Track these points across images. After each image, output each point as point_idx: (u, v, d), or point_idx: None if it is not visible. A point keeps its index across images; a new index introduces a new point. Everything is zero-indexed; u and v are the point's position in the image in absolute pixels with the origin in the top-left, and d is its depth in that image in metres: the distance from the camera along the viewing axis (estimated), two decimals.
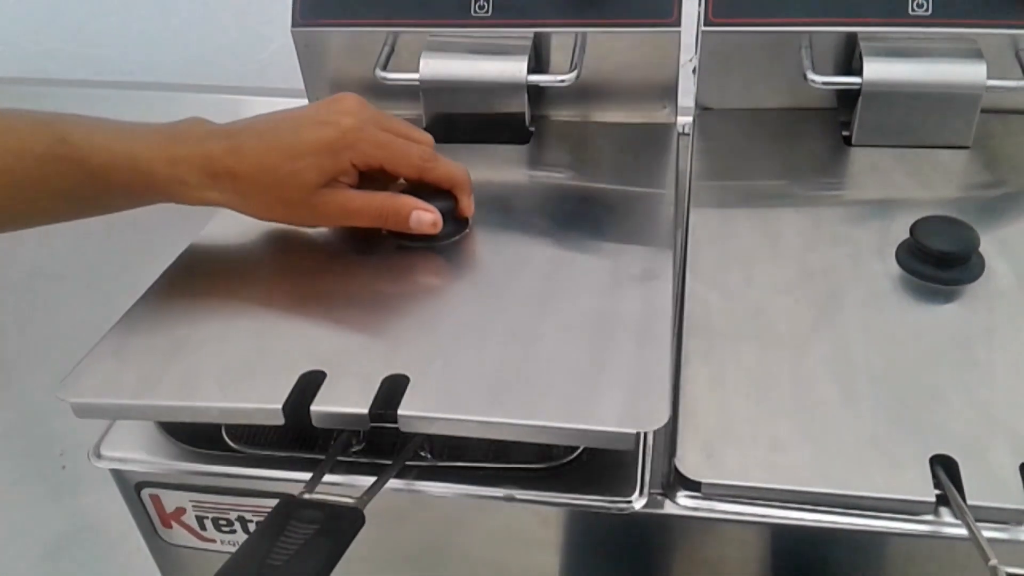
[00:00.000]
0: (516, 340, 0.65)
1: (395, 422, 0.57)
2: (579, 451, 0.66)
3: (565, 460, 0.66)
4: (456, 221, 0.73)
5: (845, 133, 0.90)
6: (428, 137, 0.72)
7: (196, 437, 0.71)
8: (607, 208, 0.82)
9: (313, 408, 0.57)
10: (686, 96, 0.98)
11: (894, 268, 0.74)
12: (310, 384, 0.60)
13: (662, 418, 0.56)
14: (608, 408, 0.57)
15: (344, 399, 0.59)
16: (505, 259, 0.74)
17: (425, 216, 0.68)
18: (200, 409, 0.60)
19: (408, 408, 0.57)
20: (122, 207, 0.70)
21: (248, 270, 0.74)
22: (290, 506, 0.57)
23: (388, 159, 0.68)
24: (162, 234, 1.15)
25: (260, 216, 0.69)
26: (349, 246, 0.74)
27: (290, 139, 0.64)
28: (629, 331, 0.66)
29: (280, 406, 0.58)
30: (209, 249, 0.78)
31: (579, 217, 0.80)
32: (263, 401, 0.59)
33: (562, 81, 0.90)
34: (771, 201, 0.83)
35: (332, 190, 0.66)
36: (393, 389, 0.58)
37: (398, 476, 0.64)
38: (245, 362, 0.63)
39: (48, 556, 1.03)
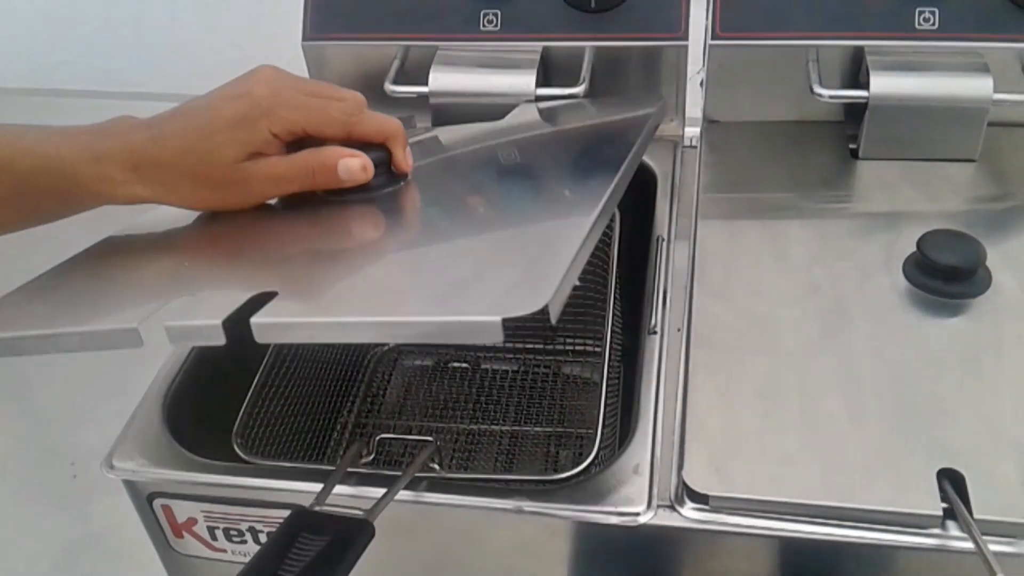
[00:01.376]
0: (416, 255, 0.61)
1: (249, 332, 0.51)
2: (587, 464, 0.66)
3: (573, 473, 0.66)
4: (392, 174, 0.68)
5: (852, 146, 0.90)
6: (355, 94, 0.67)
7: (207, 447, 0.72)
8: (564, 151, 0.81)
9: (167, 323, 0.52)
10: (693, 108, 0.98)
11: (901, 282, 0.74)
12: (174, 307, 0.54)
13: (539, 301, 0.45)
14: (482, 298, 0.50)
15: (200, 314, 0.52)
16: (441, 204, 0.70)
17: (352, 162, 0.63)
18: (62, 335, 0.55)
19: (264, 316, 0.50)
20: (56, 212, 0.66)
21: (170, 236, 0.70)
22: (301, 518, 0.58)
23: (309, 121, 0.63)
24: None
25: (190, 205, 0.65)
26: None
27: (205, 117, 0.62)
28: (544, 228, 0.62)
29: (136, 325, 0.52)
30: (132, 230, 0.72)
31: (533, 169, 0.77)
32: (118, 323, 0.53)
33: (572, 94, 0.91)
34: (778, 214, 0.84)
35: (255, 162, 0.62)
36: (256, 304, 0.52)
37: (407, 488, 0.64)
38: (108, 292, 0.61)
39: (58, 565, 1.04)
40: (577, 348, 1.06)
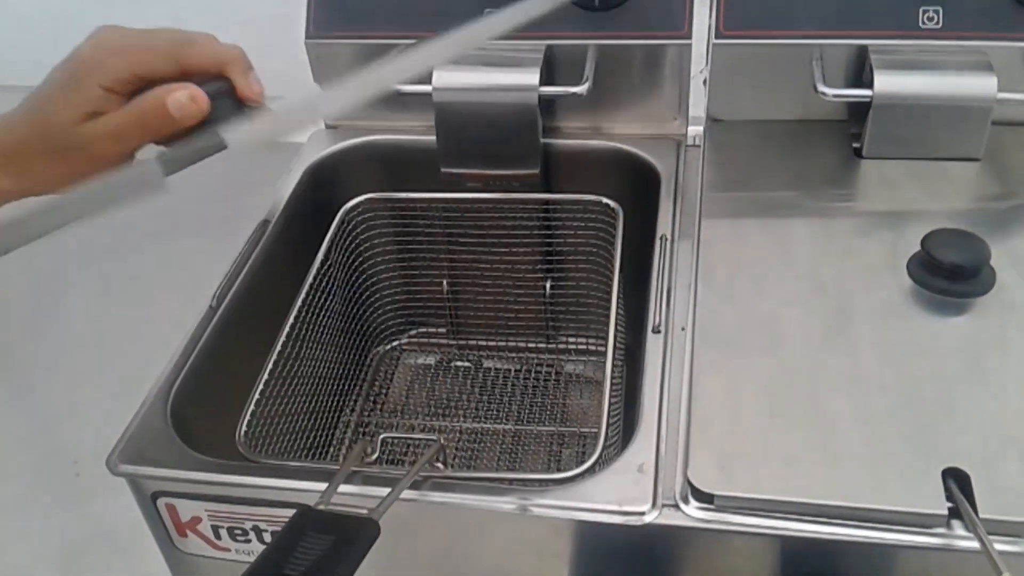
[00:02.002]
0: None
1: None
2: (592, 462, 0.66)
3: (577, 472, 0.66)
4: (238, 104, 0.62)
5: (856, 145, 0.90)
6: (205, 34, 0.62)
7: (212, 446, 0.71)
8: None
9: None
10: (696, 106, 0.98)
11: (906, 281, 0.74)
12: None
13: None
14: None
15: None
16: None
17: (179, 95, 0.57)
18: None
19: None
20: None
21: None
22: (306, 517, 0.57)
23: (135, 63, 0.58)
24: (163, 241, 1.16)
25: (50, 188, 0.61)
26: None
27: (40, 89, 0.59)
28: None
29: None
30: None
31: None
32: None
33: (575, 93, 0.90)
34: (782, 213, 0.84)
35: (93, 123, 0.58)
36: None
37: (412, 487, 0.64)
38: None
39: (61, 564, 1.04)
40: (580, 347, 1.06)
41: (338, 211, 0.93)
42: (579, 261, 0.98)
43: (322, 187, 0.98)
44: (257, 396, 0.75)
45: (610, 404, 0.71)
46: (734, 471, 0.62)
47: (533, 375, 1.05)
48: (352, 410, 1.01)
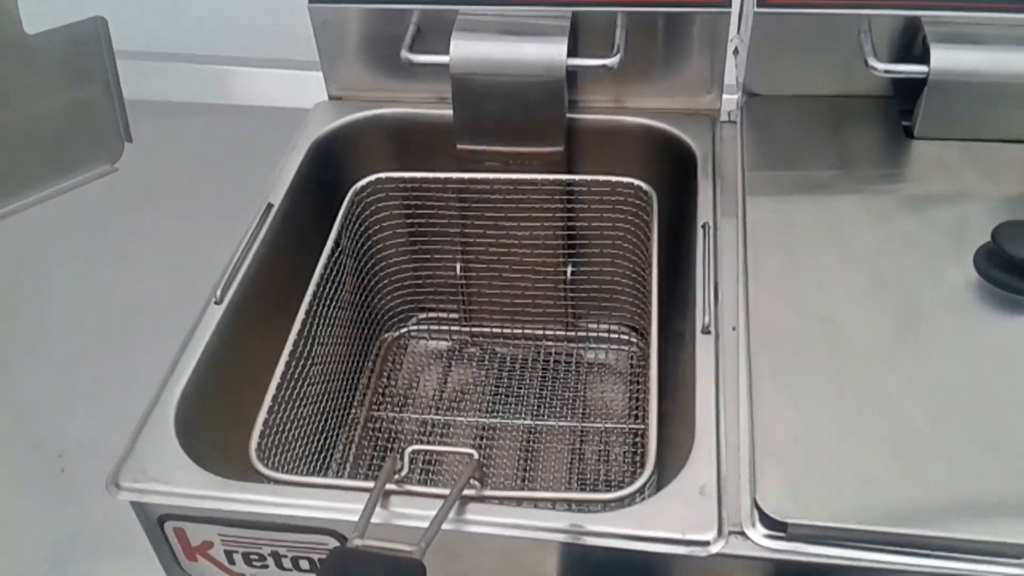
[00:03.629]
0: None
1: None
2: (647, 478, 0.60)
3: (630, 491, 0.60)
4: None
5: (906, 123, 0.84)
6: None
7: (222, 462, 0.65)
8: None
9: None
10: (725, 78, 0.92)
11: (973, 276, 0.69)
12: None
13: None
14: None
15: None
16: None
17: None
18: None
19: None
20: None
21: None
22: (344, 558, 0.51)
23: None
24: (150, 218, 1.07)
25: None
26: None
27: None
28: None
29: None
30: None
31: None
32: None
33: (605, 65, 0.83)
34: (832, 198, 0.78)
35: None
36: None
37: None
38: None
39: (48, 563, 0.97)
40: (601, 335, 1.00)
41: (346, 191, 0.86)
42: (604, 245, 0.92)
43: (328, 165, 0.91)
44: (269, 403, 0.68)
45: (658, 413, 0.65)
46: (807, 494, 0.57)
47: (552, 364, 0.99)
48: (361, 404, 0.94)
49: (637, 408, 0.93)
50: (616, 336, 1.00)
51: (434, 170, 0.88)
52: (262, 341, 0.75)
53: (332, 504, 0.60)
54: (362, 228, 0.89)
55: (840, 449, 0.59)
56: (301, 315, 0.75)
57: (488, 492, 0.61)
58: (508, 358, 1.00)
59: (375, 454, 0.91)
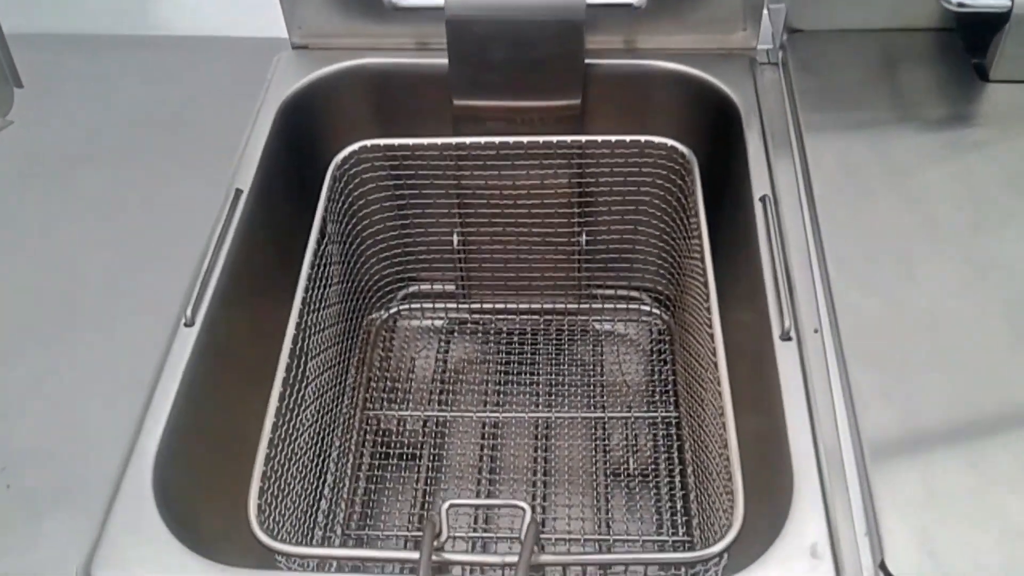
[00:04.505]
0: None
1: None
2: (736, 533, 0.50)
3: (719, 549, 0.50)
4: None
5: (976, 60, 0.73)
6: None
7: (216, 532, 0.53)
8: None
9: None
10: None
11: None
12: None
13: None
14: None
15: None
16: None
17: None
18: None
19: None
20: None
21: None
22: None
23: None
24: (70, 180, 0.89)
25: None
26: None
27: None
28: None
29: None
30: None
31: None
32: None
33: (631, 4, 0.70)
34: (907, 159, 0.66)
35: None
36: None
37: None
38: None
39: None
40: (619, 307, 0.89)
41: (324, 165, 0.72)
42: (625, 211, 0.80)
43: (300, 133, 0.76)
44: (265, 452, 0.56)
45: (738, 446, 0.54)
46: (943, 553, 0.47)
47: (565, 342, 0.88)
48: (353, 402, 0.82)
49: (665, 390, 0.82)
50: (636, 308, 0.88)
51: (426, 132, 0.74)
52: (245, 366, 0.62)
53: None
54: (346, 206, 0.75)
55: (973, 490, 0.49)
56: (291, 330, 0.62)
57: (555, 557, 0.50)
58: (515, 338, 0.88)
59: (374, 463, 0.79)
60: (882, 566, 0.47)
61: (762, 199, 0.65)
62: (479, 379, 0.85)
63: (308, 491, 0.64)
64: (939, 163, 0.66)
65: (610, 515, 0.76)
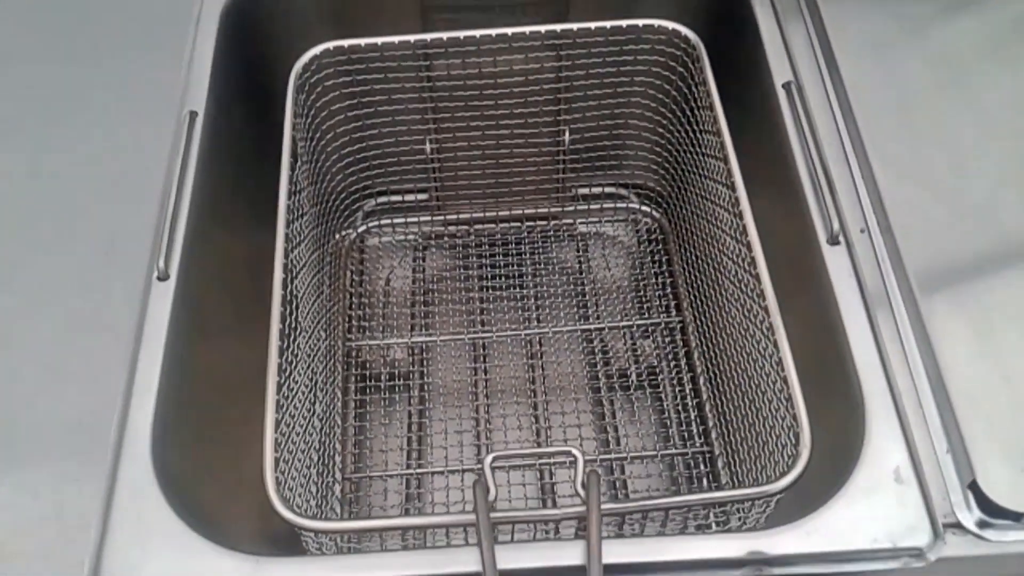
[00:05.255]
0: None
1: None
2: (804, 465, 0.46)
3: (788, 483, 0.46)
4: None
5: None
6: None
7: (231, 514, 0.47)
8: None
9: None
10: None
11: None
12: None
13: None
14: None
15: None
16: None
17: None
18: None
19: None
20: None
21: None
22: None
23: None
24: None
25: None
26: None
27: None
28: None
29: None
30: None
31: None
32: None
33: None
34: (941, 28, 0.61)
35: None
36: None
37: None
38: None
39: None
40: (606, 207, 0.83)
41: (282, 74, 0.62)
42: (615, 104, 0.73)
43: (250, 39, 0.66)
44: (274, 416, 0.49)
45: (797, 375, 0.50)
46: None
47: (552, 248, 0.82)
48: (332, 334, 0.75)
49: (664, 294, 0.78)
50: (624, 207, 0.83)
51: (392, 29, 0.66)
52: (227, 318, 0.55)
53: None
54: (311, 119, 0.66)
55: None
56: (279, 273, 0.54)
57: (620, 505, 0.46)
58: (496, 249, 0.82)
59: (363, 399, 0.73)
60: (972, 486, 0.44)
61: (785, 86, 0.59)
62: (462, 297, 0.79)
63: (319, 452, 0.58)
64: (978, 34, 0.61)
65: (620, 430, 0.72)
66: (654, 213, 0.82)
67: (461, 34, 0.65)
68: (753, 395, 0.57)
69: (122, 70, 0.63)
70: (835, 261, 0.53)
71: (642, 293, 0.79)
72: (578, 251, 0.82)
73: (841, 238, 0.53)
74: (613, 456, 0.69)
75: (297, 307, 0.58)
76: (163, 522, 0.45)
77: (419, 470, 0.70)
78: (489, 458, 0.47)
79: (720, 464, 0.67)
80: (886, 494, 0.45)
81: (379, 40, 0.64)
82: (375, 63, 0.67)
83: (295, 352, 0.56)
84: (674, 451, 0.70)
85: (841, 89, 0.58)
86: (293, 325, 0.56)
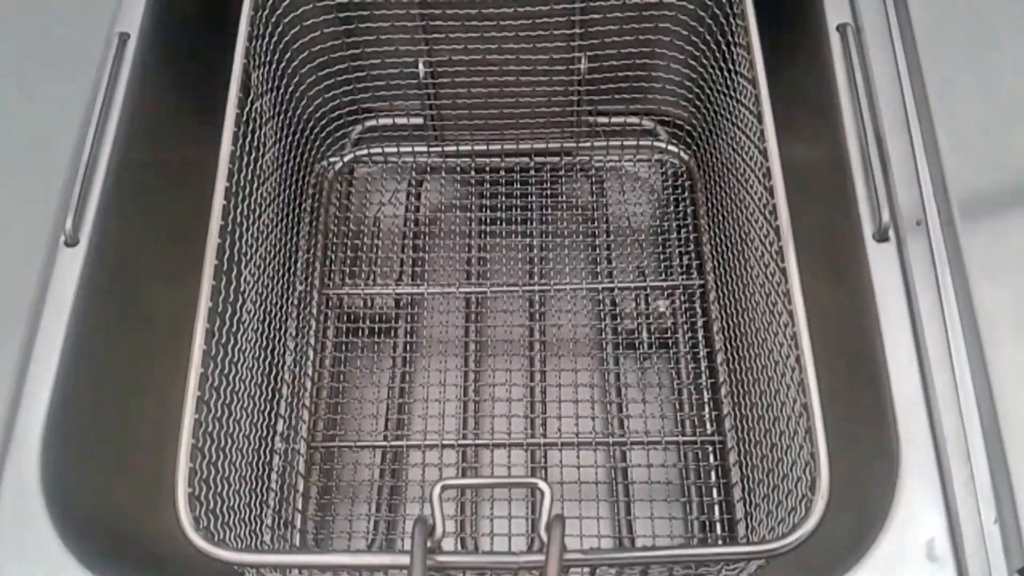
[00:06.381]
0: None
1: None
2: (820, 515, 0.38)
3: (796, 539, 0.38)
4: None
5: None
6: None
7: (133, 546, 0.40)
8: None
9: None
10: None
11: None
12: None
13: None
14: None
15: None
16: None
17: None
18: None
19: None
20: None
21: None
22: None
23: None
24: None
25: None
26: None
27: None
28: None
29: None
30: None
31: None
32: None
33: None
34: None
35: None
36: None
37: None
38: None
39: None
40: (628, 144, 0.72)
41: None
42: (640, 31, 0.62)
43: None
44: (192, 416, 0.42)
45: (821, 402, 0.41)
46: None
47: (563, 190, 0.72)
48: (308, 275, 0.67)
49: (687, 251, 0.68)
50: (648, 144, 0.72)
51: None
52: (154, 293, 0.47)
53: None
54: (275, 40, 0.56)
55: None
56: (213, 238, 0.45)
57: (584, 556, 0.38)
58: (500, 188, 0.72)
59: (339, 356, 0.66)
60: (1022, 573, 0.36)
61: (840, 28, 0.48)
62: (457, 243, 0.70)
63: (257, 455, 0.50)
64: None
65: (623, 407, 0.63)
66: (682, 155, 0.71)
67: None
68: (772, 400, 0.49)
69: None
70: (881, 262, 0.43)
71: (660, 249, 0.69)
72: (592, 193, 0.72)
73: (891, 233, 0.43)
74: (612, 441, 0.61)
75: (245, 264, 0.50)
76: (47, 548, 0.38)
77: (395, 442, 0.62)
78: (437, 488, 0.40)
79: (732, 460, 0.59)
80: (914, 573, 0.37)
81: None
82: None
83: (239, 315, 0.48)
84: (682, 438, 0.62)
85: (909, 36, 0.47)
86: (238, 287, 0.48)
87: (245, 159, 0.50)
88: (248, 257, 0.51)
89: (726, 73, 0.56)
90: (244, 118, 0.50)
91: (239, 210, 0.49)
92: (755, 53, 0.47)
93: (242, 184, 0.50)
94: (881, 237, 0.43)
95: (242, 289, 0.49)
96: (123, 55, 0.49)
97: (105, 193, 0.46)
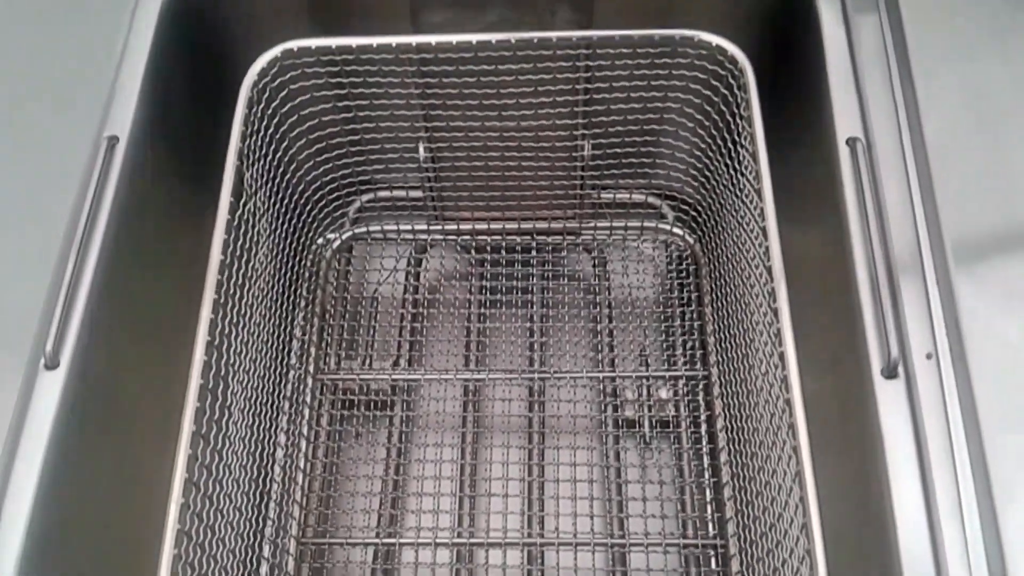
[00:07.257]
0: None
1: None
2: None
3: None
4: None
5: None
6: None
7: None
8: None
9: None
10: None
11: None
12: None
13: None
14: None
15: None
16: None
17: None
18: None
19: None
20: None
21: None
22: None
23: None
24: None
25: None
26: None
27: None
28: None
29: None
30: None
31: None
32: None
33: None
34: None
35: None
36: None
37: None
38: None
39: None
40: (631, 227, 0.70)
41: (235, 82, 0.51)
42: (645, 120, 0.61)
43: (200, 41, 0.55)
44: (173, 531, 0.40)
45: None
46: None
47: (564, 273, 0.71)
48: (302, 360, 0.66)
49: (692, 344, 0.66)
50: (652, 227, 0.70)
51: (377, 28, 0.54)
52: (148, 406, 0.45)
53: None
54: (270, 133, 0.55)
55: None
56: (198, 362, 0.44)
57: None
58: (500, 267, 0.71)
59: (339, 447, 0.64)
60: None
61: (850, 142, 0.47)
62: (457, 326, 0.69)
63: (245, 553, 0.49)
64: None
65: (624, 506, 0.62)
66: (687, 237, 0.70)
67: (455, 39, 0.53)
68: (774, 522, 0.47)
69: (38, 82, 0.52)
70: (889, 400, 0.41)
71: (664, 336, 0.67)
72: (596, 274, 0.71)
73: (900, 369, 0.41)
74: (611, 543, 0.60)
75: (233, 375, 0.49)
76: None
77: (387, 539, 0.61)
78: None
79: (734, 569, 0.57)
80: None
81: (355, 41, 0.53)
82: (354, 66, 0.56)
83: (225, 430, 0.47)
84: (683, 541, 0.60)
85: (922, 155, 0.45)
86: (225, 402, 0.47)
87: (236, 264, 0.49)
88: (237, 366, 0.50)
89: (730, 169, 0.55)
90: (236, 222, 0.49)
91: (228, 319, 0.48)
92: (761, 161, 0.46)
93: (232, 291, 0.48)
94: (890, 374, 0.41)
95: (229, 403, 0.48)
96: (111, 160, 0.48)
97: (89, 311, 0.44)
